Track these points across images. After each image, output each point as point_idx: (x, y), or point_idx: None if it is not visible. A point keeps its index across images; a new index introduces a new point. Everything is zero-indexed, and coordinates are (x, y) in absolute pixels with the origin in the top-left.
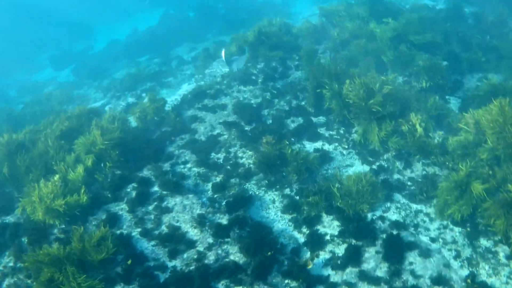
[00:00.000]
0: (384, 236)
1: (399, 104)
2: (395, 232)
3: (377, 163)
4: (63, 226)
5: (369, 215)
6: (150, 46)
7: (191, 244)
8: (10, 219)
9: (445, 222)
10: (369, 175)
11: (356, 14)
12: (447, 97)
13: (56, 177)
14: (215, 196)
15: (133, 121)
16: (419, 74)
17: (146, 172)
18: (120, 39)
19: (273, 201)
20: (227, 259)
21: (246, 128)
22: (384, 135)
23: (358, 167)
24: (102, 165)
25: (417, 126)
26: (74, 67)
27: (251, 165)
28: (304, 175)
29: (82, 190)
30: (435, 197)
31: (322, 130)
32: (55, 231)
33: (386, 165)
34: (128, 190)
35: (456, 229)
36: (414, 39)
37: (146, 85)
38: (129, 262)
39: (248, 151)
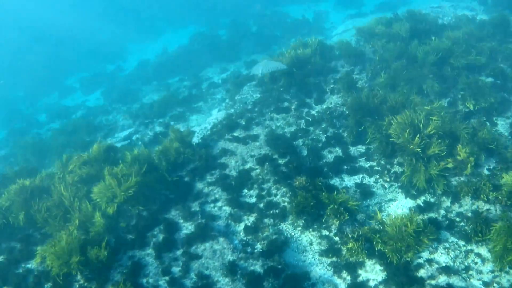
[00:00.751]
0: (432, 282)
1: (447, 140)
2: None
3: (422, 198)
4: (88, 273)
5: (415, 258)
6: (180, 67)
7: None
8: (32, 264)
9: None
10: (415, 219)
11: (396, 33)
12: (494, 118)
13: (72, 228)
14: (248, 238)
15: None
16: (465, 97)
17: (174, 213)
18: (150, 59)
19: (311, 243)
20: None
21: (280, 162)
22: (429, 176)
23: (401, 202)
24: (125, 208)
25: (467, 165)
26: (103, 90)
27: (285, 204)
28: (343, 217)
29: (104, 243)
30: (490, 239)
31: (361, 161)
32: (79, 277)
33: (432, 200)
34: (155, 233)
35: None
36: (458, 62)
37: (176, 110)
38: None
39: (282, 187)
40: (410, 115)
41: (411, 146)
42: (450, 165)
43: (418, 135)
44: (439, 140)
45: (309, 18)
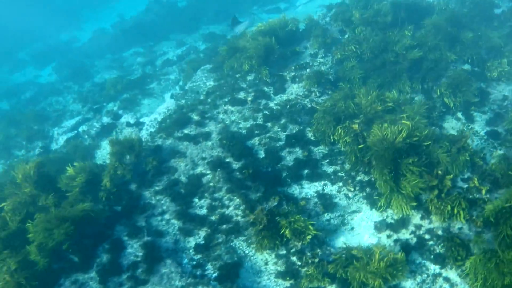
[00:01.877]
0: None
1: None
2: None
3: (389, 211)
4: None
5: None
6: (136, 38)
7: None
8: None
9: None
10: (387, 255)
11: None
12: (472, 113)
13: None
14: (198, 258)
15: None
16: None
17: (119, 229)
18: (106, 29)
19: (266, 263)
20: None
21: (234, 166)
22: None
23: (366, 213)
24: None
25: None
26: (55, 65)
27: (239, 218)
28: (304, 240)
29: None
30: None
31: (324, 165)
32: None
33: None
34: (99, 252)
35: None
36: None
37: (128, 93)
38: None
39: (235, 198)
40: (384, 130)
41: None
42: (422, 185)
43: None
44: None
45: None
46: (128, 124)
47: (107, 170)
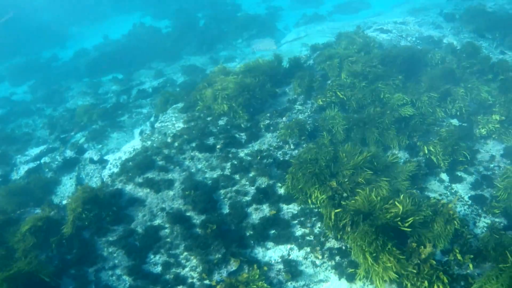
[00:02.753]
0: None
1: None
2: None
3: (358, 283)
4: None
5: None
6: (116, 63)
7: None
8: None
9: None
10: None
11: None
12: (457, 173)
13: None
14: None
15: None
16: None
17: (66, 281)
18: (88, 49)
19: None
20: None
21: (196, 220)
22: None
23: (334, 284)
24: None
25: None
26: (32, 83)
27: (194, 281)
28: None
29: None
30: None
31: (293, 226)
32: None
33: None
34: None
35: None
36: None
37: (98, 123)
38: None
39: (193, 258)
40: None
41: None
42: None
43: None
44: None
45: (261, 14)
46: (92, 161)
47: (69, 218)
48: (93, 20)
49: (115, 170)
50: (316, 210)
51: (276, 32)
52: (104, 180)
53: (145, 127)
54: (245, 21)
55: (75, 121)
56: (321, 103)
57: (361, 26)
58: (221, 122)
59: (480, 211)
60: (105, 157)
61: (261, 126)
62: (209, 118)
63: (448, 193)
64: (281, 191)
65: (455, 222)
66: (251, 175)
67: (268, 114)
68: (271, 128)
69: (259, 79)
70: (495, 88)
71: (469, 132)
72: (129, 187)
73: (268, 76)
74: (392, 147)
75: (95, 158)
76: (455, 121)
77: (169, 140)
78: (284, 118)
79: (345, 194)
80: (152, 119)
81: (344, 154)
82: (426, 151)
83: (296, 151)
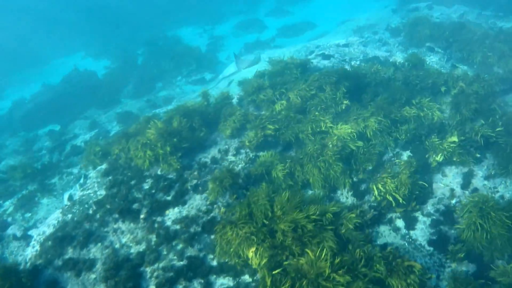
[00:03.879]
0: None
1: None
2: None
3: None
4: None
5: None
6: (52, 113)
7: None
8: None
9: None
10: None
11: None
12: (413, 215)
13: None
14: None
15: None
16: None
17: None
18: (26, 99)
19: None
20: None
21: None
22: None
23: None
24: None
25: None
26: None
27: None
28: None
29: None
30: None
31: None
32: None
33: None
34: None
35: None
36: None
37: (27, 188)
38: None
39: None
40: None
41: None
42: None
43: None
44: None
45: (203, 45)
46: (15, 237)
47: None
48: (34, 64)
49: (38, 248)
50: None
51: (218, 64)
52: (27, 258)
53: (74, 191)
54: (185, 56)
55: (4, 187)
56: (248, 144)
57: (303, 51)
58: (145, 186)
59: (443, 260)
60: (30, 232)
61: (189, 187)
62: (133, 182)
63: (406, 243)
64: (214, 262)
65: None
66: (179, 247)
67: (196, 172)
68: (200, 188)
69: (187, 124)
70: (448, 104)
71: (424, 161)
72: (48, 272)
73: (197, 119)
74: (340, 187)
75: (19, 234)
76: (407, 152)
77: (90, 211)
78: (217, 171)
79: (286, 253)
80: (81, 180)
81: (279, 207)
82: (376, 192)
83: (230, 211)
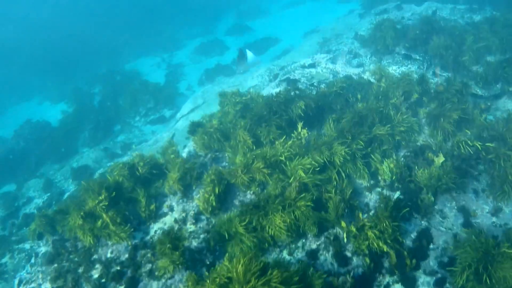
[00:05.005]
0: None
1: None
2: None
3: None
4: None
5: None
6: (5, 172)
7: None
8: None
9: None
10: None
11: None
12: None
13: None
14: None
15: None
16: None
17: None
18: None
19: None
20: None
21: None
22: None
23: None
24: None
25: None
26: None
27: None
28: None
29: None
30: None
31: None
32: None
33: None
34: None
35: None
36: None
37: None
38: None
39: None
40: None
41: None
42: None
43: None
44: None
45: (162, 76)
46: None
47: None
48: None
49: None
50: None
51: (178, 97)
52: None
53: (25, 275)
54: (142, 92)
55: None
56: (202, 205)
57: (266, 75)
58: (95, 274)
59: None
60: None
61: (142, 272)
62: (80, 269)
63: None
64: None
65: None
66: None
67: (150, 254)
68: (156, 273)
69: (131, 185)
70: (426, 117)
71: (413, 199)
72: None
73: (147, 175)
74: (309, 234)
75: None
76: (385, 190)
77: None
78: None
79: None
80: (32, 260)
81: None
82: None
83: None
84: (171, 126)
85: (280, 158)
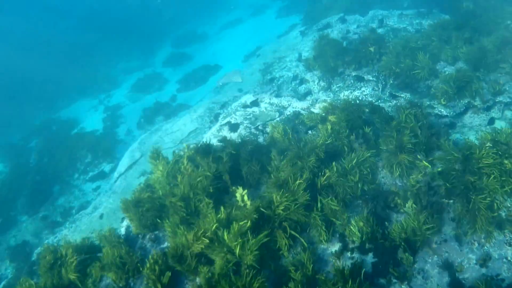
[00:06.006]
0: None
1: None
2: None
3: None
4: None
5: None
6: None
7: None
8: None
9: None
10: None
11: None
12: None
13: None
14: None
15: None
16: None
17: None
18: None
19: None
20: None
21: None
22: None
23: None
24: None
25: None
26: None
27: None
28: None
29: None
30: None
31: None
32: None
33: None
34: None
35: None
36: None
37: None
38: None
39: None
40: None
41: None
42: None
43: None
44: None
45: (99, 120)
46: None
47: None
48: None
49: None
50: None
51: (118, 145)
52: None
53: None
54: (79, 145)
55: None
56: None
57: (207, 116)
58: None
59: None
60: None
61: None
62: None
63: None
64: None
65: None
66: None
67: None
68: None
69: None
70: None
71: (390, 260)
72: None
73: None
74: None
75: None
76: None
77: None
78: None
79: None
80: None
81: None
82: None
83: None
84: (109, 186)
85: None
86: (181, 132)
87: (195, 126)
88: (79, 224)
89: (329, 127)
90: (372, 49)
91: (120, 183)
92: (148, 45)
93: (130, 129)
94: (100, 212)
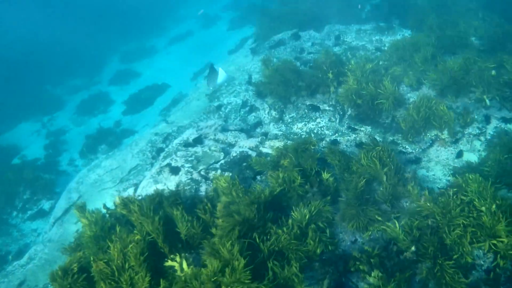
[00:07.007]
0: None
1: None
2: None
3: None
4: None
5: None
6: None
7: None
8: None
9: None
10: None
11: None
12: None
13: None
14: None
15: None
16: None
17: None
18: None
19: None
20: None
21: None
22: None
23: None
24: None
25: None
26: None
27: None
28: None
29: None
30: None
31: None
32: None
33: None
34: None
35: None
36: None
37: None
38: None
39: None
40: None
41: None
42: None
43: None
44: None
45: (41, 147)
46: None
47: None
48: None
49: None
50: None
51: (59, 177)
52: None
53: None
54: (15, 181)
55: None
56: None
57: (148, 151)
58: None
59: None
60: None
61: None
62: None
63: None
64: None
65: None
66: None
67: None
68: None
69: None
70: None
71: None
72: None
73: None
74: None
75: None
76: None
77: None
78: None
79: None
80: None
81: None
82: None
83: None
84: (47, 228)
85: None
86: (121, 169)
87: (136, 162)
88: (12, 278)
89: (280, 175)
90: (330, 75)
91: (57, 229)
92: (95, 60)
93: (73, 158)
94: (35, 264)
